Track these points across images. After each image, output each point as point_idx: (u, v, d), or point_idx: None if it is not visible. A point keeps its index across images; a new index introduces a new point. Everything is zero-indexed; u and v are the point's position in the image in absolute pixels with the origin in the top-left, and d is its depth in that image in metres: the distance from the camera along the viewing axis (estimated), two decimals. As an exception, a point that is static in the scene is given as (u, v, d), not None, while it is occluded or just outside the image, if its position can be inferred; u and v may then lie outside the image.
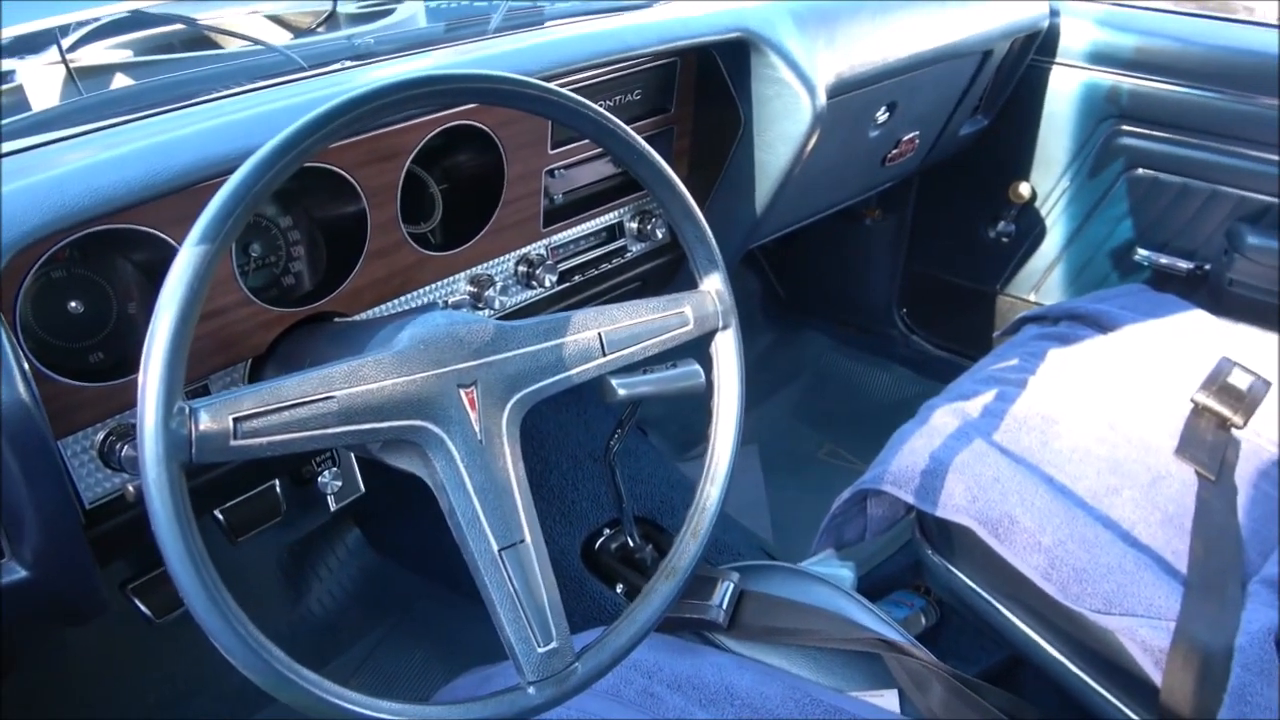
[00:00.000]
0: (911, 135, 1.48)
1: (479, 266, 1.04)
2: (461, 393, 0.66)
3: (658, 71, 1.13)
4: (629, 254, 1.22)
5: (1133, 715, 1.00)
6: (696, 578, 0.98)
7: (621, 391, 0.85)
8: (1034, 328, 1.48)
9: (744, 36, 1.10)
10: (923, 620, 1.31)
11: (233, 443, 0.57)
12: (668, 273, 1.30)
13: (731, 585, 0.97)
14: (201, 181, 0.73)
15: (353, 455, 1.05)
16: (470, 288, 1.03)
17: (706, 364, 0.82)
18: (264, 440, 0.58)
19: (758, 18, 1.13)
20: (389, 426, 0.64)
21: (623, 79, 1.09)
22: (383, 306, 0.95)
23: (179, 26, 1.08)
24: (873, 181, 1.57)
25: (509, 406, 0.68)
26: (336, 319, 0.92)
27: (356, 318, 0.93)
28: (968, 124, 1.63)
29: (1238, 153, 1.49)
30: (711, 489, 0.78)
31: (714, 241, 0.78)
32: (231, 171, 0.59)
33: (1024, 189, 1.70)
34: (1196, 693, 0.93)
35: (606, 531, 1.39)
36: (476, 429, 0.67)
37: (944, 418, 1.22)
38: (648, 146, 0.75)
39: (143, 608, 0.98)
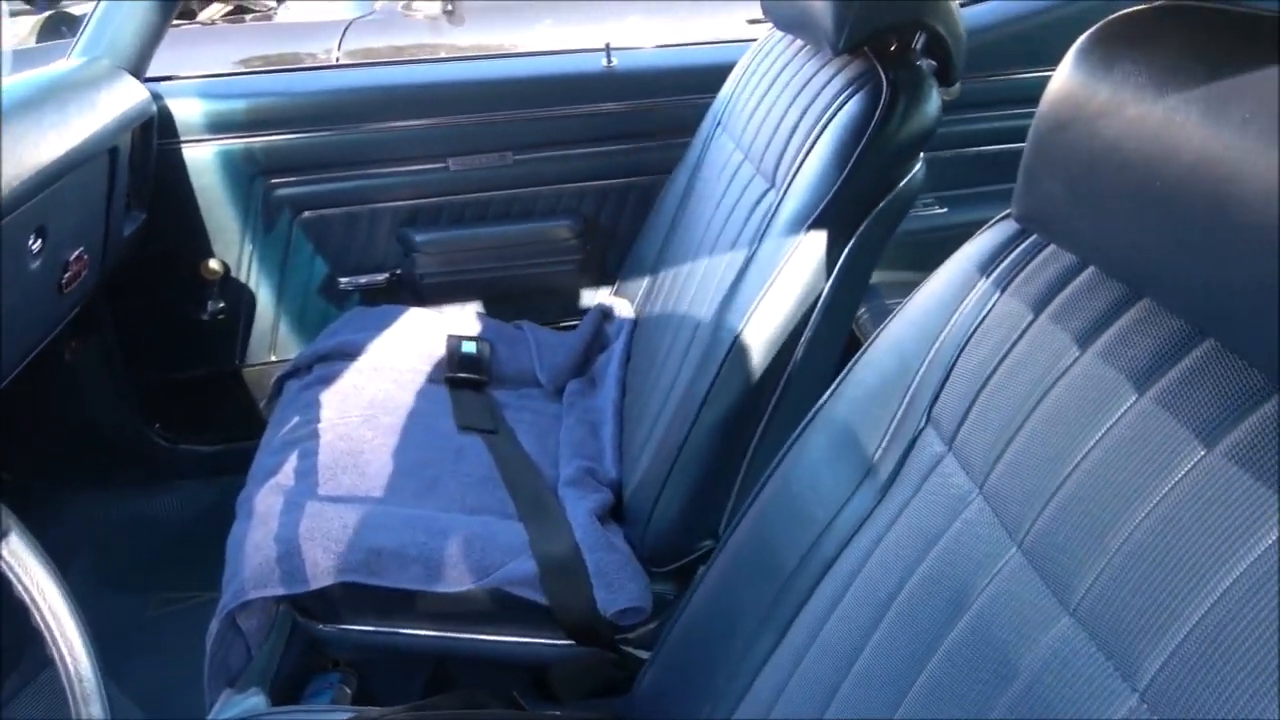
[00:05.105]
0: (78, 252, 1.36)
1: None
2: None
3: None
4: None
5: (550, 640, 1.16)
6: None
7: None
8: (294, 383, 1.53)
9: None
10: (347, 690, 1.30)
11: None
12: None
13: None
14: None
15: None
16: None
17: None
18: None
19: None
20: None
21: None
22: None
23: None
24: (59, 312, 1.40)
25: None
26: None
27: None
28: (127, 222, 1.55)
29: (371, 174, 1.72)
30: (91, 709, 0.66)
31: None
32: None
33: (214, 265, 1.70)
34: (574, 590, 1.12)
35: None
36: None
37: (267, 501, 1.21)
38: None
39: None
